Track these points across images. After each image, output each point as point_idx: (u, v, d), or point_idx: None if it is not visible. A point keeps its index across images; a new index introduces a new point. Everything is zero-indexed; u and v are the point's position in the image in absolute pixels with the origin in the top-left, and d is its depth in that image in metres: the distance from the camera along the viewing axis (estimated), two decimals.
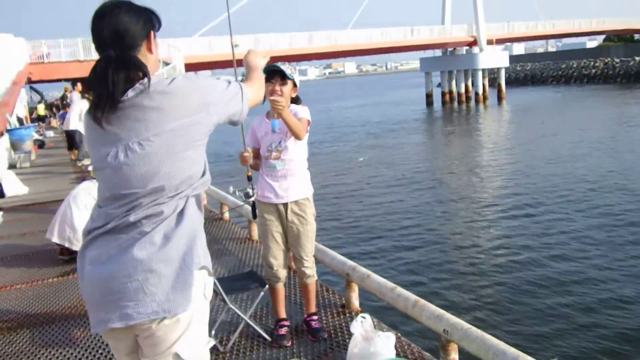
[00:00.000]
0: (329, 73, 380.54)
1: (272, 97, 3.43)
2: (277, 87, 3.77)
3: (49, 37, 36.71)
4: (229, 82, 2.15)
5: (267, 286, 4.08)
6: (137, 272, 1.89)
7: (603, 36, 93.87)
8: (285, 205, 3.90)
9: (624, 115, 33.45)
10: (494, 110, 47.80)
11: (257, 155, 4.02)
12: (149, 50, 2.05)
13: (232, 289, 4.05)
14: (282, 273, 4.02)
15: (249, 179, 4.08)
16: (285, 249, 4.02)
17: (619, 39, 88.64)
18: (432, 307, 3.47)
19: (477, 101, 55.25)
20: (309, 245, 3.98)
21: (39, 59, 31.80)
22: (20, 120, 23.49)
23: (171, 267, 1.92)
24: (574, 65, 75.47)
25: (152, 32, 2.05)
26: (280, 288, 4.09)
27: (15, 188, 11.41)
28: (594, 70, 72.23)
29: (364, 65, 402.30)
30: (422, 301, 3.60)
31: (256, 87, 2.32)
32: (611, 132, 26.72)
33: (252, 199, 3.97)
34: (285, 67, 3.78)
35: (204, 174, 2.06)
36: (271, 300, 4.19)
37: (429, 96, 59.77)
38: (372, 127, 38.69)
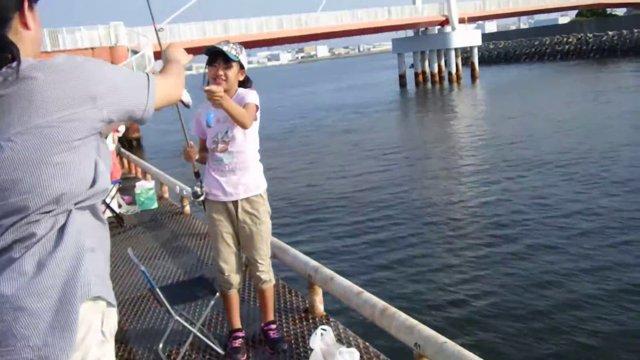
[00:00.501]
0: (302, 57, 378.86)
1: (205, 88, 2.97)
2: (221, 72, 3.32)
3: None
4: (132, 70, 1.74)
5: (217, 294, 3.65)
6: (4, 311, 1.45)
7: (575, 11, 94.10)
8: (235, 203, 3.46)
9: (598, 91, 33.40)
10: (468, 90, 47.59)
11: (204, 147, 3.57)
12: (24, 25, 1.58)
13: (179, 298, 3.61)
14: (235, 279, 3.59)
15: (197, 175, 3.63)
16: (237, 251, 3.59)
17: (592, 13, 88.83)
18: (403, 317, 3.06)
19: (450, 81, 55.00)
20: (264, 247, 3.55)
21: None
22: None
23: (47, 302, 1.48)
24: (547, 42, 75.57)
25: (26, 2, 1.58)
26: (234, 295, 3.66)
27: None
28: (567, 47, 72.40)
29: (336, 49, 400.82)
30: (392, 309, 3.19)
31: (172, 82, 1.91)
32: (587, 108, 26.58)
33: (202, 198, 3.52)
34: (229, 48, 3.33)
35: (94, 182, 1.62)
36: (224, 308, 3.76)
37: (402, 77, 59.33)
38: (345, 112, 38.17)
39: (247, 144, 3.43)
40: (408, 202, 13.43)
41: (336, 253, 10.20)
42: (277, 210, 13.07)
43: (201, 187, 3.50)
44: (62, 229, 1.54)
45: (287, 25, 48.21)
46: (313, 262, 4.13)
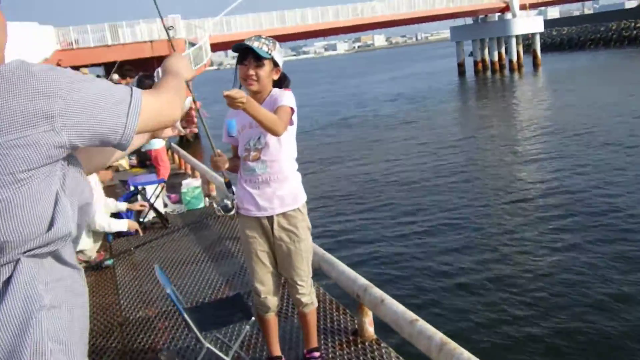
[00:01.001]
0: (358, 47, 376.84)
1: (225, 93, 2.55)
2: (252, 71, 2.91)
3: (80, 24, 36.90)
4: (111, 84, 1.36)
5: (252, 318, 3.27)
6: None
7: None
8: (270, 218, 3.06)
9: None
10: (530, 78, 45.88)
11: (237, 154, 3.19)
12: None
13: (211, 321, 3.24)
14: (273, 301, 3.20)
15: (228, 186, 3.24)
16: (274, 271, 3.19)
17: None
18: (465, 355, 2.59)
19: (511, 69, 53.19)
20: (304, 267, 3.14)
21: (69, 46, 31.94)
22: None
23: None
24: (614, 27, 72.29)
25: None
26: (272, 319, 3.27)
27: None
28: (635, 32, 69.05)
29: (393, 37, 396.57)
30: (452, 344, 2.71)
31: (166, 99, 1.52)
32: None
33: (232, 212, 3.14)
34: (260, 44, 2.91)
35: (52, 225, 1.24)
36: (262, 332, 3.38)
37: (460, 66, 57.94)
38: (402, 102, 37.35)
39: (282, 151, 3.02)
40: (473, 208, 12.00)
41: (389, 267, 9.09)
42: (326, 213, 12.48)
43: (232, 200, 3.12)
44: (6, 283, 1.19)
45: (344, 15, 47.65)
46: (362, 280, 3.68)
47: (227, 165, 3.05)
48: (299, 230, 3.07)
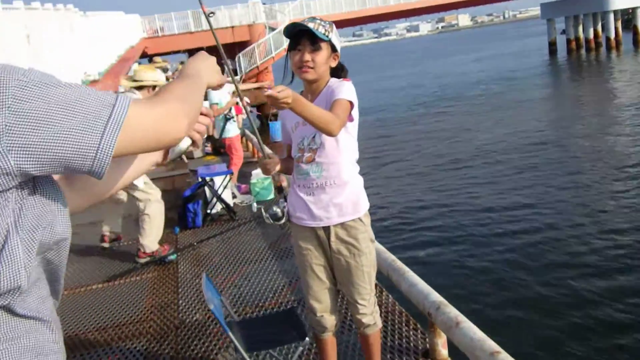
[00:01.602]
0: (442, 27, 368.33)
1: (266, 93, 2.15)
2: (307, 57, 2.52)
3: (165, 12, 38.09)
4: (87, 90, 1.04)
5: (307, 338, 2.90)
6: None
7: None
8: (327, 229, 2.66)
9: None
10: (630, 57, 42.80)
11: (291, 154, 2.81)
12: None
13: (259, 340, 2.90)
14: (330, 320, 2.81)
15: (280, 190, 2.90)
16: (332, 286, 2.80)
17: None
18: None
19: (608, 47, 49.93)
20: (366, 284, 2.73)
21: (155, 34, 33.06)
22: None
23: None
24: None
25: None
26: (329, 340, 2.88)
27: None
28: None
29: (479, 16, 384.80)
30: None
31: (164, 110, 1.15)
32: None
33: (282, 220, 2.76)
34: (315, 24, 2.51)
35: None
36: (319, 353, 3.01)
37: (552, 45, 54.97)
38: (489, 84, 35.84)
39: (340, 152, 2.60)
40: (575, 211, 10.38)
41: (470, 280, 7.93)
42: (399, 212, 11.53)
43: (283, 207, 2.74)
44: None
45: None
46: (434, 296, 3.23)
47: (278, 168, 2.68)
48: (359, 242, 2.66)
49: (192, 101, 1.23)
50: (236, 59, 32.34)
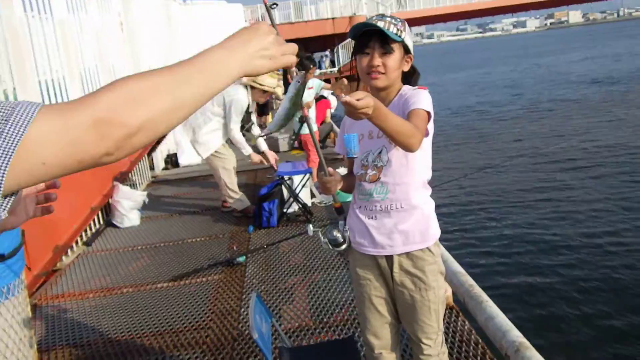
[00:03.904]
0: (550, 23, 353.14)
1: (344, 99, 1.81)
2: (377, 61, 2.19)
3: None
4: None
5: None
6: None
7: None
8: (390, 258, 2.33)
9: None
10: None
11: (354, 170, 2.50)
12: None
13: None
14: (390, 358, 2.49)
15: (340, 212, 2.54)
16: (393, 321, 2.46)
17: None
18: None
19: None
20: (432, 322, 2.37)
21: (256, 23, 33.73)
22: None
23: None
24: None
25: None
26: None
27: (190, 157, 11.02)
28: None
29: (591, 13, 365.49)
30: None
31: (101, 114, 0.84)
32: None
33: (343, 247, 2.44)
34: (386, 23, 2.18)
35: None
36: None
37: None
38: (596, 86, 33.64)
39: (410, 171, 2.26)
40: None
41: (556, 313, 6.92)
42: (482, 229, 10.60)
43: (343, 231, 2.42)
44: None
45: None
46: (514, 335, 2.82)
47: (340, 186, 2.37)
48: (426, 275, 2.31)
49: (163, 100, 0.89)
50: (335, 50, 32.28)
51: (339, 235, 2.39)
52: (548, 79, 40.23)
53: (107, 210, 7.17)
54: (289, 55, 1.13)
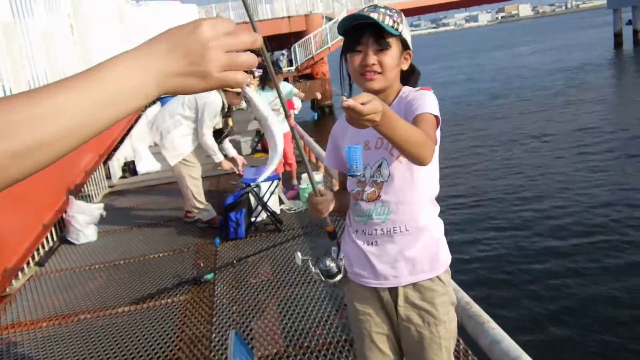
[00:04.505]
0: (502, 17, 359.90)
1: (345, 103, 1.43)
2: (372, 58, 1.85)
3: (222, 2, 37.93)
4: None
5: None
6: None
7: None
8: (394, 290, 2.00)
9: None
10: None
11: (347, 187, 2.15)
12: None
13: None
14: None
15: (332, 236, 2.17)
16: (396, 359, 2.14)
17: None
18: None
19: None
20: None
21: None
22: None
23: None
24: None
25: None
26: None
27: (148, 164, 10.53)
28: None
29: (540, 6, 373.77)
30: None
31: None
32: None
33: (338, 277, 2.08)
34: (380, 15, 1.83)
35: None
36: None
37: (617, 36, 52.18)
38: (546, 77, 34.07)
39: (415, 188, 1.93)
40: None
41: (567, 337, 6.44)
42: (472, 239, 9.94)
43: (337, 259, 2.07)
44: None
45: None
46: None
47: (332, 207, 2.02)
48: (436, 308, 1.99)
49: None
50: (292, 48, 31.91)
51: (332, 265, 2.04)
52: (500, 73, 40.61)
53: (61, 226, 6.66)
54: (238, 73, 0.81)
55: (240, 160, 6.38)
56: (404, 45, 1.97)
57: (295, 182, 7.42)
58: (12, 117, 0.66)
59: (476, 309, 3.03)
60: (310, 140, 9.28)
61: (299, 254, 2.04)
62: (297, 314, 4.01)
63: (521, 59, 51.01)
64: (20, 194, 5.54)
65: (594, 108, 21.33)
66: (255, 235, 5.83)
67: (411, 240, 1.96)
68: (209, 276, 4.78)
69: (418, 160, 1.70)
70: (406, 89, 1.99)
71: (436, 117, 1.84)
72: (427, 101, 1.86)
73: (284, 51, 33.87)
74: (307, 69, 31.81)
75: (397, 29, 1.89)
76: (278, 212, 6.29)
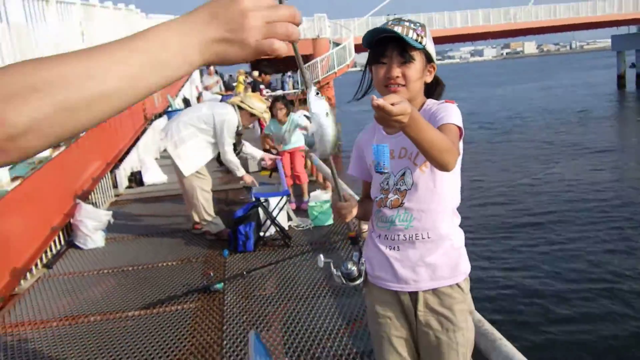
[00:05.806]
0: (507, 53, 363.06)
1: (375, 102, 1.52)
2: (396, 71, 1.95)
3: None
4: None
5: None
6: None
7: None
8: (414, 295, 2.10)
9: None
10: None
11: (370, 195, 2.26)
12: None
13: None
14: None
15: (355, 241, 2.28)
16: None
17: None
18: None
19: None
20: None
21: None
22: (187, 101, 23.49)
23: None
24: None
25: None
26: None
27: (155, 176, 10.62)
28: None
29: (545, 45, 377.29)
30: None
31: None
32: None
33: (359, 281, 2.18)
34: (404, 29, 1.92)
35: None
36: None
37: (620, 78, 52.85)
38: (549, 115, 34.41)
39: (437, 197, 2.02)
40: None
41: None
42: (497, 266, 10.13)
43: (359, 263, 2.17)
44: None
45: (495, 19, 45.54)
46: None
47: (355, 213, 2.12)
48: (455, 314, 2.08)
49: (65, 95, 0.69)
50: (298, 71, 32.13)
51: (354, 268, 2.12)
52: (502, 109, 40.92)
53: (69, 230, 6.75)
54: (275, 41, 0.83)
55: (249, 178, 6.61)
56: (428, 58, 2.06)
57: (306, 197, 7.53)
58: (89, 65, 0.71)
59: (487, 326, 3.09)
60: (316, 158, 9.37)
61: (321, 256, 2.14)
62: (308, 325, 4.07)
63: (522, 96, 51.37)
64: (31, 198, 5.64)
65: (604, 157, 21.51)
66: (264, 249, 5.91)
67: (432, 247, 2.05)
68: (219, 286, 4.86)
69: (442, 165, 1.78)
70: (430, 102, 2.09)
71: (460, 128, 1.93)
72: (451, 113, 1.95)
73: (289, 73, 34.10)
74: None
75: (420, 42, 1.98)
76: (286, 227, 6.38)
